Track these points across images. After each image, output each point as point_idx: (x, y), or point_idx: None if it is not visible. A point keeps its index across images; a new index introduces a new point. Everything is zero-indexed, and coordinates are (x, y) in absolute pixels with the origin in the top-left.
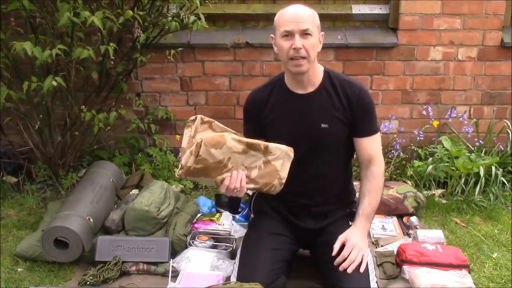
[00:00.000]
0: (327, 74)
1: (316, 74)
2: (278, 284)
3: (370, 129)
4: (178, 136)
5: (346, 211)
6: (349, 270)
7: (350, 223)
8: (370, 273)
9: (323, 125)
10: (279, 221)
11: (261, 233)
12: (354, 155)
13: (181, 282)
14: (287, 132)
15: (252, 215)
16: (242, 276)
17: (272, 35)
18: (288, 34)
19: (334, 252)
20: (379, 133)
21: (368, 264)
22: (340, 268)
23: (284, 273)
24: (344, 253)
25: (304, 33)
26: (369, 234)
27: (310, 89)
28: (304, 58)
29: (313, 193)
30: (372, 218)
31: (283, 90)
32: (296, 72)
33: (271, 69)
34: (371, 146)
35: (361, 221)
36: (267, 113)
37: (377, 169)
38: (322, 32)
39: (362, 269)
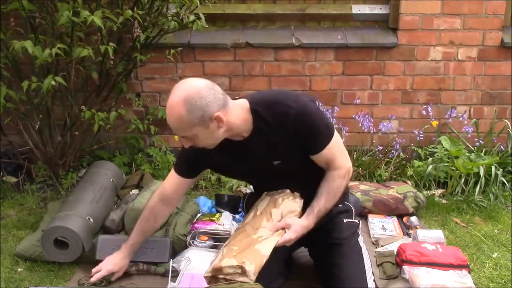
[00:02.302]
0: (255, 112)
1: (244, 122)
2: (275, 284)
3: (321, 145)
4: (176, 137)
5: (339, 206)
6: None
7: (345, 220)
8: (367, 272)
9: (275, 163)
10: None
11: None
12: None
13: (181, 282)
14: (243, 175)
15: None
16: None
17: None
18: None
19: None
20: (334, 137)
21: (365, 262)
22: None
23: (282, 273)
24: (277, 223)
25: (187, 138)
26: (369, 234)
27: (246, 134)
28: (204, 147)
29: None
30: (318, 219)
31: (223, 140)
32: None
33: (271, 69)
34: (326, 157)
35: (309, 216)
36: (213, 159)
37: (338, 172)
38: (218, 113)
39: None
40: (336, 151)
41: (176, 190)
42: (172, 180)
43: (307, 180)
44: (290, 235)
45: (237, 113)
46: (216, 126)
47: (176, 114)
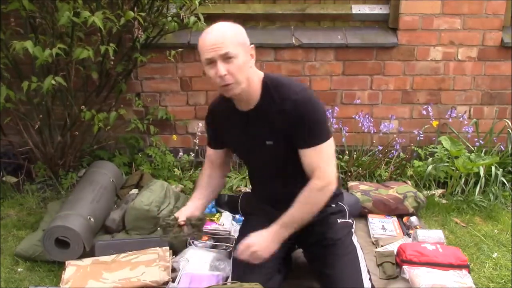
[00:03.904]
0: (266, 85)
1: (255, 89)
2: (272, 283)
3: (313, 140)
4: (175, 136)
5: (332, 206)
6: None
7: (339, 221)
8: (362, 271)
9: (267, 142)
10: (269, 221)
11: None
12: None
13: (180, 282)
14: (240, 148)
15: (242, 218)
16: (237, 277)
17: (201, 58)
18: (211, 62)
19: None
20: (328, 142)
21: (360, 262)
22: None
23: (279, 272)
24: (239, 251)
25: (226, 57)
26: (369, 234)
27: (251, 105)
28: (231, 83)
29: (288, 196)
30: (290, 230)
31: (230, 108)
32: (228, 95)
33: (271, 69)
34: (312, 158)
35: (275, 228)
36: (222, 127)
37: (316, 183)
38: (252, 45)
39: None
40: (324, 158)
41: (217, 159)
42: (210, 152)
43: (291, 178)
44: (252, 253)
45: (254, 75)
46: (250, 60)
47: (225, 28)
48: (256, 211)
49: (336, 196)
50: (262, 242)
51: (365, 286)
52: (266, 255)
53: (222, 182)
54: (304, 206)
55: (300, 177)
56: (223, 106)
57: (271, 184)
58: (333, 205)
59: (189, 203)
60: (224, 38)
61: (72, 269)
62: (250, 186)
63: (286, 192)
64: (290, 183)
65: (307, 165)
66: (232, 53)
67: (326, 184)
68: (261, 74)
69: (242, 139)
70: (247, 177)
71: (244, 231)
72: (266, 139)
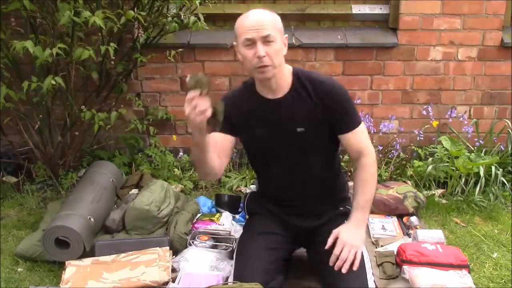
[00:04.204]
0: (297, 75)
1: (285, 78)
2: (275, 283)
3: (351, 124)
4: (175, 137)
5: (340, 209)
6: (343, 270)
7: (346, 222)
8: (367, 272)
9: (299, 129)
10: (274, 221)
11: (256, 233)
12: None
13: (180, 282)
14: (262, 138)
15: (247, 216)
16: (238, 277)
17: (234, 42)
18: (250, 43)
19: (327, 246)
20: (362, 124)
21: (365, 262)
22: (335, 267)
23: (281, 273)
24: (335, 251)
25: (266, 40)
26: (369, 234)
27: (281, 93)
28: (268, 65)
29: (301, 194)
30: (369, 209)
31: (254, 96)
32: (262, 78)
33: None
34: (357, 140)
35: (355, 214)
36: (241, 118)
37: (367, 160)
38: (286, 35)
39: (355, 267)
40: (366, 137)
41: (218, 143)
42: (215, 135)
43: (314, 172)
44: (357, 252)
45: (284, 66)
46: (283, 49)
47: (267, 13)
48: (262, 211)
49: (345, 200)
50: (352, 237)
51: (369, 287)
52: (361, 245)
53: (218, 167)
54: (369, 184)
55: (317, 174)
56: (247, 94)
57: (285, 183)
58: (342, 208)
59: None
60: (267, 21)
61: (72, 269)
62: (259, 183)
63: (299, 190)
64: (306, 178)
65: (353, 147)
66: (272, 36)
67: (375, 158)
68: (289, 67)
69: (268, 129)
70: (247, 177)
71: (248, 230)
72: (297, 126)
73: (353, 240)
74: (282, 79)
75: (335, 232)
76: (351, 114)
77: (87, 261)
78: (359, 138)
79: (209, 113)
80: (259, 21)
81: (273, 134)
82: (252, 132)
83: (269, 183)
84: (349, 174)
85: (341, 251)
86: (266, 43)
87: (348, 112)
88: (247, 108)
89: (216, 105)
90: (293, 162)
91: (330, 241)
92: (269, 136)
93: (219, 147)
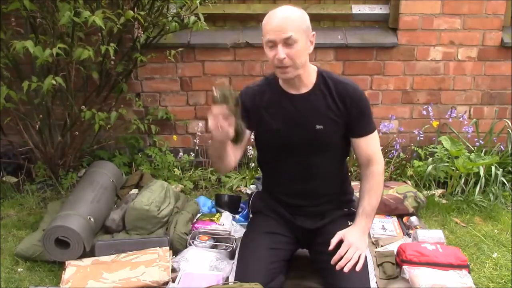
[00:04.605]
0: (321, 74)
1: (309, 76)
2: (275, 283)
3: (367, 130)
4: (175, 137)
5: (344, 210)
6: (346, 269)
7: (350, 223)
8: (369, 273)
9: (318, 127)
10: (277, 221)
11: (259, 233)
12: (350, 155)
13: (180, 282)
14: (279, 132)
15: (251, 215)
16: (240, 276)
17: (262, 38)
18: (272, 44)
19: (331, 247)
20: (376, 131)
21: (368, 263)
22: (337, 267)
23: (282, 273)
24: (341, 251)
25: (288, 43)
26: (369, 234)
27: (304, 90)
28: (289, 67)
29: (308, 194)
30: (373, 217)
31: (277, 89)
32: (283, 78)
33: (271, 69)
34: (369, 146)
35: (360, 220)
36: (259, 111)
37: (377, 168)
38: (313, 32)
39: (358, 268)
40: (378, 144)
41: None
42: None
43: (324, 171)
44: (361, 255)
45: (308, 64)
46: (309, 47)
47: (292, 12)
48: (266, 211)
49: (350, 202)
50: (357, 240)
51: (371, 287)
52: (366, 249)
53: (233, 161)
54: (376, 191)
55: (326, 174)
56: (269, 87)
57: (294, 180)
58: (346, 209)
59: None
60: (290, 22)
61: (72, 269)
62: (264, 182)
63: (305, 189)
64: (313, 178)
65: (364, 153)
66: (294, 38)
67: (383, 167)
68: (314, 67)
69: (287, 124)
70: (247, 177)
71: (252, 229)
72: (316, 123)
73: (358, 242)
74: (306, 77)
75: (339, 233)
76: (367, 119)
77: (87, 261)
78: (371, 145)
79: (231, 133)
80: (283, 22)
81: (291, 129)
82: (269, 125)
83: (276, 181)
84: (349, 174)
85: (345, 252)
86: (287, 46)
87: (365, 117)
88: (268, 100)
89: (239, 123)
90: (304, 160)
91: (334, 241)
92: (286, 131)
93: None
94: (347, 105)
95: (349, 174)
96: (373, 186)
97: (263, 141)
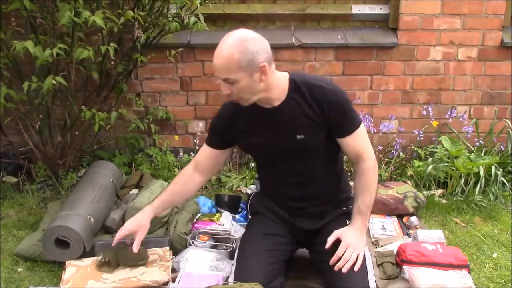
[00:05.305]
0: (293, 82)
1: (278, 89)
2: (275, 284)
3: (350, 128)
4: (177, 137)
5: (343, 209)
6: (344, 270)
7: (348, 222)
8: (368, 272)
9: (298, 136)
10: (276, 222)
11: (257, 234)
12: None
13: (180, 282)
14: (263, 146)
15: (249, 216)
16: (239, 277)
17: None
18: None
19: (327, 245)
20: (362, 125)
21: (367, 263)
22: (335, 268)
23: (281, 274)
24: (339, 252)
25: (228, 82)
26: (369, 234)
27: (277, 102)
28: (238, 99)
29: (307, 197)
30: (369, 214)
31: (251, 105)
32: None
33: None
34: (356, 144)
35: (356, 220)
36: (239, 128)
37: (367, 164)
38: (264, 63)
39: (356, 268)
40: (365, 140)
41: (208, 160)
42: (204, 151)
43: (317, 174)
44: (359, 255)
45: (277, 77)
46: (259, 78)
47: (227, 53)
48: (265, 211)
49: (348, 200)
50: (355, 239)
51: (370, 287)
52: (364, 248)
53: (194, 191)
54: (369, 189)
55: (320, 176)
56: (242, 107)
57: (289, 185)
58: (344, 208)
59: (145, 210)
60: (226, 64)
61: (72, 269)
62: (263, 187)
63: (301, 192)
64: (308, 183)
65: (352, 151)
66: (232, 79)
67: (375, 162)
68: (285, 74)
69: (267, 135)
70: (247, 177)
71: (251, 230)
72: (297, 133)
73: (356, 242)
74: (274, 92)
75: (336, 232)
76: (349, 117)
77: (87, 261)
78: (358, 142)
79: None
80: (218, 64)
81: (273, 142)
82: (252, 141)
83: (272, 186)
84: (349, 174)
85: (343, 253)
86: (229, 83)
87: (346, 115)
88: (244, 116)
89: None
90: (295, 166)
91: (330, 240)
92: (269, 145)
93: (205, 166)
94: (324, 109)
95: (350, 174)
96: (365, 184)
97: (251, 154)
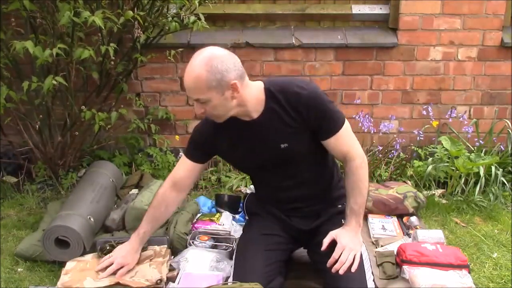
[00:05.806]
0: (269, 91)
1: (254, 101)
2: (274, 285)
3: (332, 129)
4: (177, 137)
5: (338, 207)
6: (341, 272)
7: (343, 221)
8: (366, 272)
9: (283, 145)
10: (273, 222)
11: (255, 234)
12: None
13: (180, 282)
14: (247, 158)
15: (246, 217)
16: (238, 278)
17: None
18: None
19: (323, 247)
20: (345, 125)
21: (364, 262)
22: (332, 270)
23: (280, 274)
24: (335, 254)
25: (199, 102)
26: (369, 234)
27: (256, 114)
28: (213, 116)
29: (299, 198)
30: (363, 213)
31: (232, 120)
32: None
33: (271, 69)
34: (341, 144)
35: (350, 220)
36: (221, 145)
37: (355, 163)
38: (235, 81)
39: (353, 269)
40: (349, 139)
41: (186, 175)
42: (182, 165)
43: (309, 175)
44: (356, 255)
45: (251, 90)
46: (230, 96)
47: (195, 73)
48: (261, 212)
49: (342, 197)
50: (350, 241)
51: (368, 287)
52: (360, 248)
53: (172, 210)
54: (360, 188)
55: (312, 177)
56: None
57: (282, 188)
58: (339, 206)
59: (132, 244)
60: (195, 85)
61: (72, 263)
62: (257, 191)
63: (294, 195)
64: (302, 184)
65: (337, 152)
66: (203, 99)
67: (362, 159)
68: (260, 85)
69: (252, 149)
70: (247, 177)
71: (248, 231)
72: (281, 142)
73: (351, 244)
74: (250, 105)
75: (332, 233)
76: (330, 119)
77: (88, 257)
78: (342, 142)
79: None
80: (189, 84)
81: (258, 153)
82: (236, 156)
83: (264, 190)
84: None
85: (340, 255)
86: (201, 103)
87: (325, 118)
88: (227, 134)
89: None
90: (286, 172)
91: (326, 241)
92: (255, 156)
93: (184, 182)
94: (303, 114)
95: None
96: (355, 183)
97: (238, 168)
